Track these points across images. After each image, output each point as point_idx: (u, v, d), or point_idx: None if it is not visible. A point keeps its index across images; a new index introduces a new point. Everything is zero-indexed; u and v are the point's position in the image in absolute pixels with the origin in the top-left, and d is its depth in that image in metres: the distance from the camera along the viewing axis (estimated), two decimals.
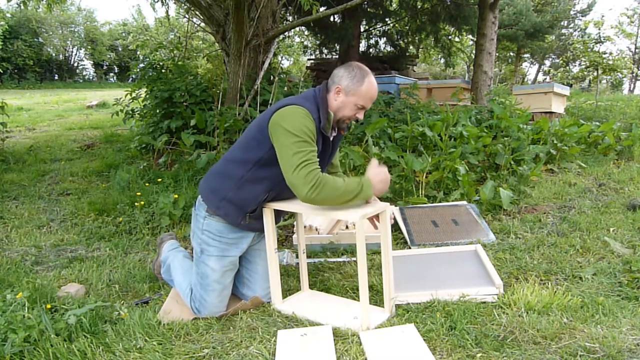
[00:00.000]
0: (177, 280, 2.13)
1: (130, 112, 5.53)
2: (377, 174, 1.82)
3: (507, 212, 3.14)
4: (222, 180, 1.94)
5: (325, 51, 11.67)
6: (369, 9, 9.51)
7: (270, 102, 4.66)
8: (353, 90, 1.83)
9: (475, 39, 7.68)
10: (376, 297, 2.07)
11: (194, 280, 2.02)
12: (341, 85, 1.85)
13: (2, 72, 22.16)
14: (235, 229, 1.97)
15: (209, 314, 1.96)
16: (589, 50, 9.13)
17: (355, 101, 1.85)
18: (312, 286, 2.24)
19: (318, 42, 11.44)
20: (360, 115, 1.90)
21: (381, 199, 3.45)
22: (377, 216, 1.93)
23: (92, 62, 30.27)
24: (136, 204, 3.38)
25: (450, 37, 11.59)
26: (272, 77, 5.11)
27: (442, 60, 16.71)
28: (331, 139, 1.95)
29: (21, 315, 1.73)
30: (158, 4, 6.42)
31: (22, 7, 5.04)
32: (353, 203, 1.77)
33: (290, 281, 2.29)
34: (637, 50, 22.56)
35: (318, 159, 1.76)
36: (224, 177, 1.94)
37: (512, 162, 3.87)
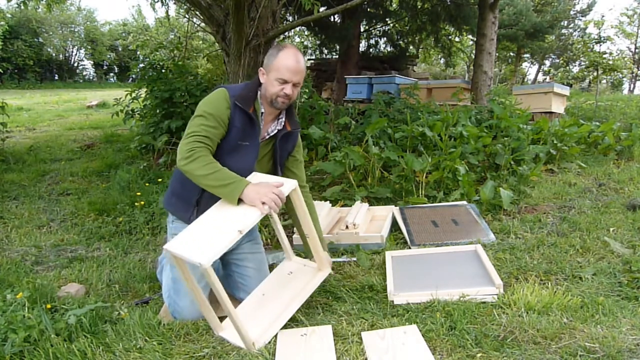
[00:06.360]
0: (163, 282, 2.13)
1: (131, 112, 5.53)
2: (260, 186, 1.73)
3: (507, 212, 3.13)
4: (173, 177, 2.07)
5: (325, 51, 11.64)
6: (369, 9, 9.49)
7: None
8: (269, 66, 1.90)
9: (475, 39, 7.67)
10: (376, 297, 2.07)
11: (168, 285, 2.01)
12: (263, 66, 1.94)
13: (2, 72, 22.15)
14: None
15: (184, 319, 1.91)
16: (589, 50, 9.13)
17: (274, 76, 1.88)
18: None
19: (318, 42, 11.41)
20: (288, 90, 1.90)
21: (382, 198, 3.47)
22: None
23: (92, 62, 30.28)
24: (136, 204, 3.39)
25: (450, 37, 11.57)
26: None
27: (442, 60, 16.72)
28: (271, 132, 2.00)
29: (21, 315, 1.74)
30: (158, 4, 6.43)
31: (22, 7, 5.04)
32: (216, 191, 1.74)
33: None
34: (637, 50, 22.55)
35: (208, 137, 1.80)
36: (174, 174, 2.07)
37: (512, 162, 3.86)
